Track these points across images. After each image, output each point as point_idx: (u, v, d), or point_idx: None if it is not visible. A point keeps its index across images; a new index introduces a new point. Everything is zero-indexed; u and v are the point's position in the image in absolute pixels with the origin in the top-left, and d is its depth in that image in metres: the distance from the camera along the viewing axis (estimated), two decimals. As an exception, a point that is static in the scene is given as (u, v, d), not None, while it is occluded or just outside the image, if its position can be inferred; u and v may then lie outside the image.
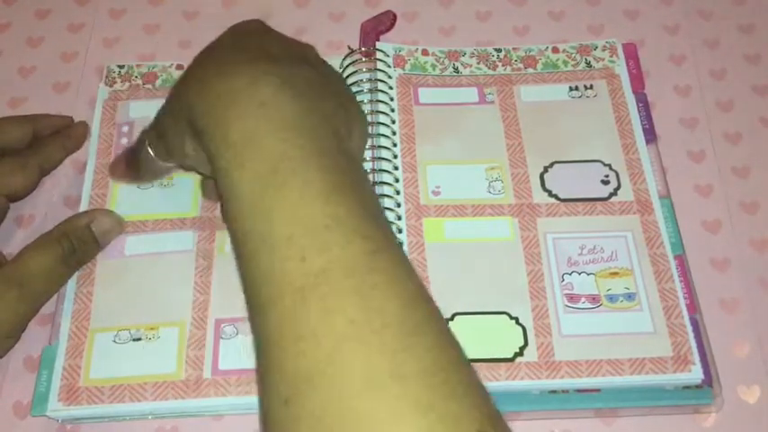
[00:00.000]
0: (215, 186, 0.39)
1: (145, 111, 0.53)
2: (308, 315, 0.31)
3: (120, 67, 0.55)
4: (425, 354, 0.30)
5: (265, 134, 0.35)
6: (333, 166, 0.35)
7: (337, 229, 0.33)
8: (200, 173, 0.47)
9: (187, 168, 0.47)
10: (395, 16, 0.58)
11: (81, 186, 0.50)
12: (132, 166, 0.47)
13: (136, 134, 0.52)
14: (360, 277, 0.32)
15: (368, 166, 0.50)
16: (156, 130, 0.44)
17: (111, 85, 0.54)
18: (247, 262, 0.34)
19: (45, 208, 0.51)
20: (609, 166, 0.50)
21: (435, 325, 0.32)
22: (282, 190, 0.34)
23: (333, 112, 0.39)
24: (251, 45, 0.42)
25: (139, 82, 0.54)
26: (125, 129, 0.52)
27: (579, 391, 0.43)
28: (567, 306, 0.45)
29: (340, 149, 0.37)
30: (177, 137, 0.41)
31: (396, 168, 0.50)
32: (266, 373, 0.32)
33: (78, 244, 0.45)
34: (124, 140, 0.51)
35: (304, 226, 0.33)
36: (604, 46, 0.55)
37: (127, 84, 0.54)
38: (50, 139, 0.51)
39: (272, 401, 0.31)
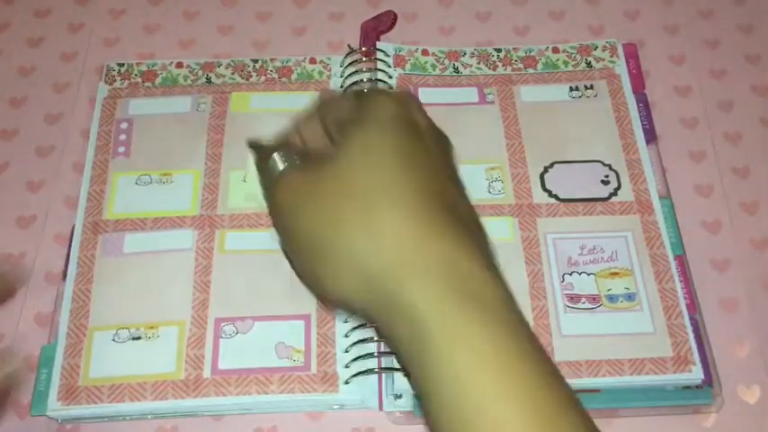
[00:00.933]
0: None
1: (144, 108, 0.53)
2: None
3: (120, 65, 0.55)
4: None
5: (506, 337, 0.31)
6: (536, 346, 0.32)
7: None
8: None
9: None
10: (395, 16, 0.58)
11: (81, 186, 0.50)
12: None
13: (134, 132, 0.52)
14: None
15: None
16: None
17: (110, 83, 0.54)
18: None
19: (46, 208, 0.51)
20: (609, 166, 0.50)
21: None
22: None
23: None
24: (436, 187, 0.35)
25: (139, 80, 0.54)
26: (124, 126, 0.52)
27: (579, 391, 0.43)
28: (567, 306, 0.45)
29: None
30: (337, 273, 0.35)
31: (396, 168, 0.50)
32: None
33: None
34: (123, 137, 0.51)
35: None
36: (604, 46, 0.55)
37: (126, 82, 0.54)
38: None
39: None
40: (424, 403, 0.32)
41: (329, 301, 0.38)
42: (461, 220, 0.35)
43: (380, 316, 0.33)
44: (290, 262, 0.39)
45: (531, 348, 0.32)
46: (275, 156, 0.38)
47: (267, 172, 0.39)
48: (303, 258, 0.36)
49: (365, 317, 0.37)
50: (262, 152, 0.40)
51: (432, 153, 0.37)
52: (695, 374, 0.43)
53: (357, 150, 0.35)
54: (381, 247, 0.33)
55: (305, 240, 0.36)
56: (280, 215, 0.37)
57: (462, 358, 0.30)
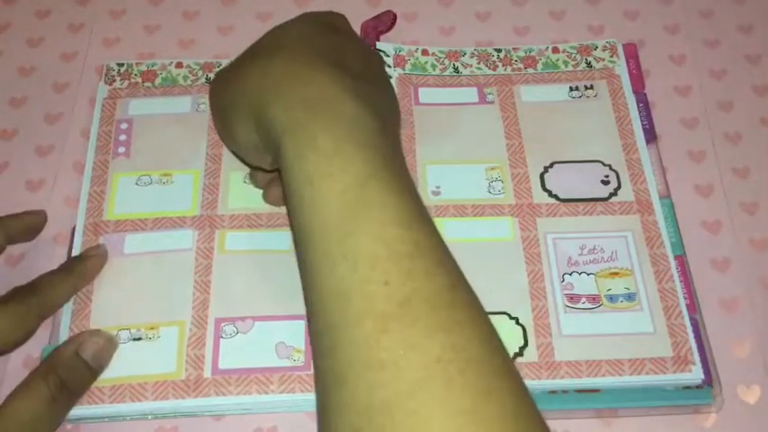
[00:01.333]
0: (279, 184, 0.39)
1: (144, 109, 0.53)
2: (391, 344, 0.30)
3: (120, 65, 0.55)
4: (507, 398, 0.30)
5: (355, 148, 0.35)
6: (411, 191, 0.35)
7: (420, 258, 0.32)
8: (247, 163, 0.47)
9: (239, 155, 0.47)
10: (395, 16, 0.58)
11: (81, 186, 0.50)
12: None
13: (134, 132, 0.52)
14: (444, 312, 0.31)
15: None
16: (216, 115, 0.45)
17: (110, 84, 0.54)
18: (321, 277, 0.33)
19: (45, 208, 0.50)
20: (609, 166, 0.50)
21: (513, 368, 0.32)
22: (371, 209, 0.33)
23: (396, 130, 0.41)
24: (329, 50, 0.40)
25: (139, 80, 0.54)
26: (124, 126, 0.52)
27: (579, 391, 0.43)
28: (567, 306, 0.45)
29: (407, 171, 0.38)
30: (237, 122, 0.41)
31: (396, 168, 0.50)
32: (333, 400, 0.31)
33: (68, 376, 0.41)
34: (122, 137, 0.51)
35: (389, 249, 0.32)
36: (604, 46, 0.55)
37: (126, 82, 0.54)
38: (58, 278, 0.45)
39: (338, 430, 0.30)
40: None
41: (245, 152, 0.43)
42: (348, 73, 0.39)
43: (266, 145, 0.39)
44: (222, 137, 0.46)
45: (379, 145, 0.36)
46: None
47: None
48: (220, 118, 0.44)
49: (265, 160, 0.42)
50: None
51: (341, 44, 0.42)
52: (695, 374, 0.43)
53: (272, 32, 0.43)
54: (264, 84, 0.39)
55: (222, 102, 0.43)
56: (210, 96, 0.46)
57: (308, 156, 0.35)
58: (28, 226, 0.48)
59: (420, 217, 0.34)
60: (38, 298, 0.43)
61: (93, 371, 0.42)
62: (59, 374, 0.40)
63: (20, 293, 0.43)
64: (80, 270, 0.45)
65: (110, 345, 0.43)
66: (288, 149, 0.36)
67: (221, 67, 0.46)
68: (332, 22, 0.45)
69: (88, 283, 0.46)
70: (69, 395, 0.41)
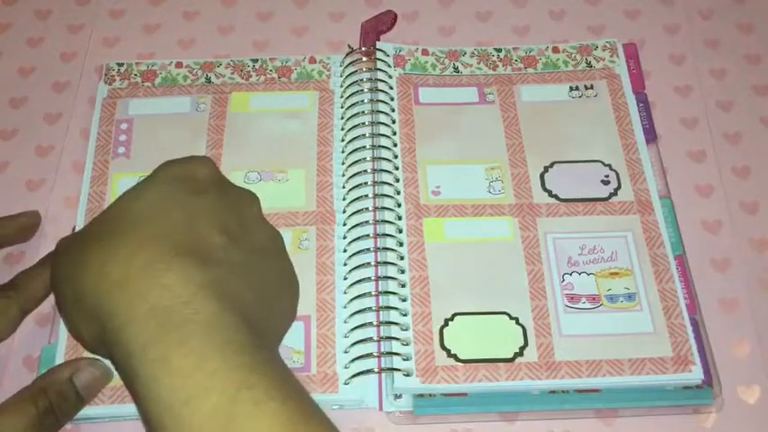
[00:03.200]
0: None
1: (144, 109, 0.53)
2: None
3: (120, 64, 0.55)
4: None
5: (218, 356, 0.32)
6: (294, 386, 0.33)
7: None
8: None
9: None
10: (395, 16, 0.58)
11: (81, 186, 0.50)
12: None
13: (134, 132, 0.52)
14: None
15: (368, 166, 0.50)
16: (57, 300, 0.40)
17: (110, 83, 0.54)
18: None
19: (46, 208, 0.51)
20: (609, 166, 0.50)
21: None
22: (248, 425, 0.30)
23: (283, 307, 0.39)
24: (183, 227, 0.36)
25: (139, 80, 0.54)
26: (124, 126, 0.52)
27: (579, 391, 0.43)
28: (567, 306, 0.45)
29: (282, 361, 0.35)
30: (79, 322, 0.37)
31: (396, 168, 0.50)
32: None
33: (57, 401, 0.39)
34: (122, 138, 0.51)
35: None
36: (604, 46, 0.55)
37: (126, 82, 0.54)
38: (35, 272, 0.44)
39: None
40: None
41: (93, 351, 0.39)
42: (206, 259, 0.35)
43: (113, 360, 0.35)
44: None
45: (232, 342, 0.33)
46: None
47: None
48: (62, 310, 0.39)
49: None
50: None
51: (202, 205, 0.38)
52: (695, 374, 0.43)
53: (122, 201, 0.38)
54: (104, 287, 0.34)
55: (63, 292, 0.38)
56: (52, 275, 0.40)
57: (163, 381, 0.31)
58: (21, 226, 0.48)
59: (303, 416, 0.31)
60: (17, 292, 0.43)
61: (82, 401, 0.41)
62: (50, 398, 0.39)
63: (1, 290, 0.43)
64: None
65: (105, 378, 0.42)
66: (138, 375, 0.32)
67: (65, 237, 0.41)
68: (192, 176, 0.40)
69: None
70: (55, 420, 0.40)
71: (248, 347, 0.32)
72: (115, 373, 0.42)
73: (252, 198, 0.42)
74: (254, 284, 0.37)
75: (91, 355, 0.41)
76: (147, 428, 0.32)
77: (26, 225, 0.48)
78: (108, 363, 0.41)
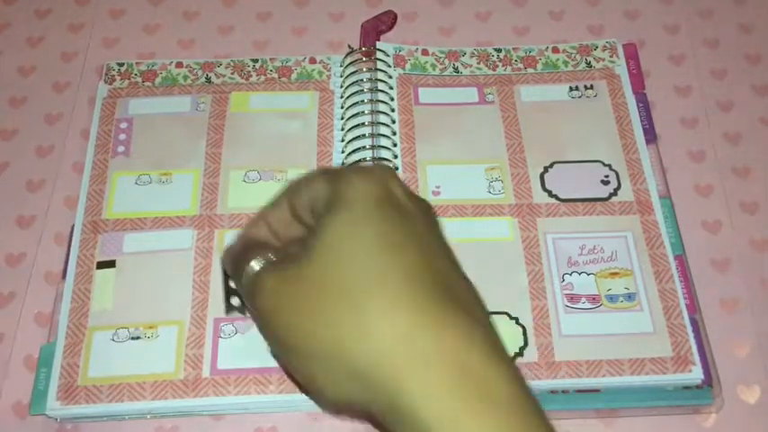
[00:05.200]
0: None
1: (144, 108, 0.53)
2: None
3: (120, 64, 0.55)
4: None
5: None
6: None
7: None
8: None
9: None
10: (395, 16, 0.58)
11: (80, 186, 0.50)
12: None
13: (134, 132, 0.52)
14: None
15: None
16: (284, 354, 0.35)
17: (110, 83, 0.54)
18: None
19: (46, 208, 0.51)
20: (609, 166, 0.50)
21: None
22: None
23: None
24: (423, 267, 0.32)
25: (139, 80, 0.54)
26: (123, 125, 0.52)
27: (579, 391, 0.43)
28: (567, 306, 0.45)
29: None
30: (325, 380, 0.32)
31: (396, 168, 0.50)
32: None
33: None
34: (122, 137, 0.51)
35: None
36: (604, 46, 0.55)
37: (126, 81, 0.54)
38: None
39: None
40: None
41: (333, 407, 0.36)
42: (460, 302, 0.32)
43: (384, 417, 0.31)
44: (284, 370, 0.38)
45: None
46: (252, 262, 0.35)
47: (242, 277, 0.36)
48: (296, 365, 0.34)
49: (372, 421, 0.35)
50: (232, 256, 0.37)
51: (419, 230, 0.34)
52: (695, 374, 0.43)
53: (336, 242, 0.33)
54: (373, 344, 0.30)
55: (295, 346, 0.33)
56: (264, 321, 0.34)
57: None
58: None
59: None
60: None
61: None
62: None
63: None
64: None
65: None
66: None
67: (268, 267, 0.35)
68: (393, 194, 0.35)
69: None
70: None
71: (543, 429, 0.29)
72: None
73: (428, 207, 0.37)
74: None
75: None
76: None
77: None
78: None
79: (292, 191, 0.37)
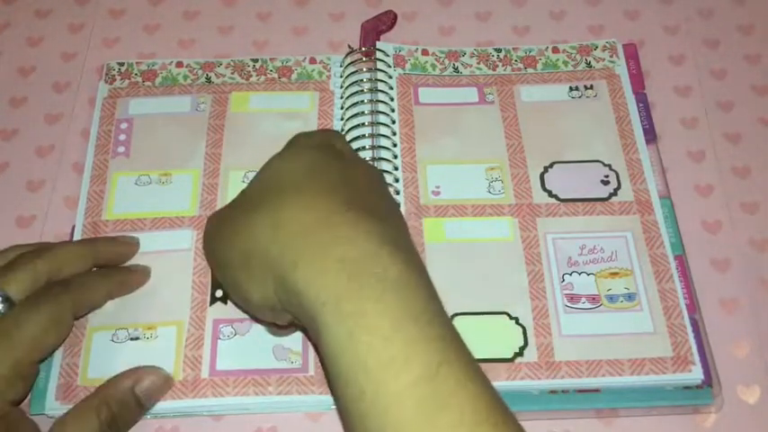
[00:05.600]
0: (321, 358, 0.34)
1: (144, 108, 0.53)
2: None
3: (120, 64, 0.55)
4: None
5: (413, 325, 0.31)
6: (479, 369, 0.32)
7: None
8: (254, 317, 0.43)
9: (248, 312, 0.43)
10: (395, 16, 0.58)
11: (80, 186, 0.50)
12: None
13: (134, 132, 0.52)
14: None
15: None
16: (218, 271, 0.39)
17: (110, 83, 0.54)
18: None
19: (45, 208, 0.51)
20: (609, 166, 0.50)
21: None
22: (448, 408, 0.29)
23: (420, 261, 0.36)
24: (347, 187, 0.36)
25: (139, 79, 0.54)
26: (124, 126, 0.52)
27: (579, 391, 0.43)
28: (567, 306, 0.45)
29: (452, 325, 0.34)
30: (247, 282, 0.36)
31: (396, 168, 0.50)
32: None
33: (120, 410, 0.39)
34: (122, 137, 0.51)
35: None
36: (604, 46, 0.55)
37: (126, 81, 0.54)
38: (93, 280, 0.44)
39: None
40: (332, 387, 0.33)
41: (262, 311, 0.38)
42: (373, 213, 0.35)
43: (294, 312, 0.34)
44: (224, 291, 0.41)
45: (433, 317, 0.32)
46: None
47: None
48: (229, 279, 0.38)
49: (291, 320, 0.37)
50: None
51: (350, 171, 0.38)
52: (695, 374, 0.43)
53: (267, 172, 0.38)
54: (282, 238, 0.34)
55: (224, 260, 0.38)
56: (206, 254, 0.40)
57: (361, 338, 0.30)
58: (119, 254, 0.46)
59: (499, 405, 0.31)
60: (72, 296, 0.41)
61: (144, 408, 0.41)
62: (112, 408, 0.39)
63: (53, 290, 0.41)
64: (120, 279, 0.45)
65: (166, 384, 0.42)
66: (330, 327, 0.31)
67: (214, 212, 0.41)
68: (332, 144, 0.40)
69: (124, 294, 0.45)
70: (117, 430, 0.40)
71: (438, 317, 0.32)
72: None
73: (378, 172, 0.43)
74: (403, 229, 0.38)
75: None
76: (336, 386, 0.32)
77: (122, 253, 0.46)
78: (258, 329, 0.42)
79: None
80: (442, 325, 0.32)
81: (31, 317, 0.39)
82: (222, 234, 0.38)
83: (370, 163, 0.43)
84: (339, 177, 0.37)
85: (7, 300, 0.39)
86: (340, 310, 0.31)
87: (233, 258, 0.37)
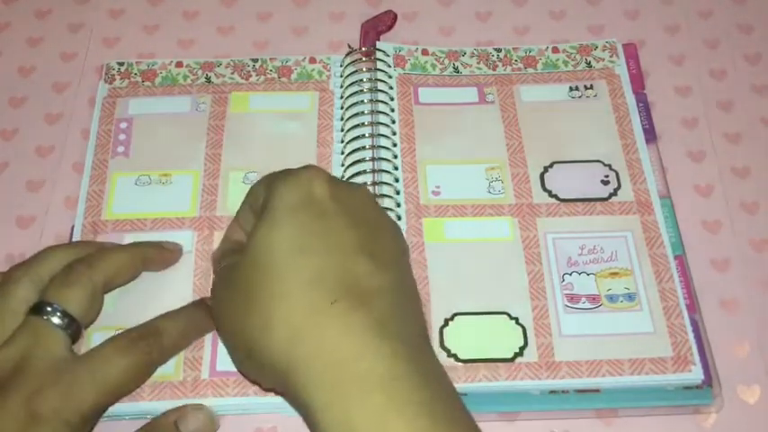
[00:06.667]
0: None
1: (144, 108, 0.53)
2: None
3: (120, 63, 0.55)
4: None
5: (401, 423, 0.32)
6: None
7: None
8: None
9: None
10: (395, 16, 0.58)
11: (80, 186, 0.50)
12: None
13: (134, 131, 0.52)
14: None
15: (368, 166, 0.50)
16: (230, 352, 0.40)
17: (110, 82, 0.54)
18: None
19: (45, 208, 0.51)
20: (609, 166, 0.50)
21: None
22: None
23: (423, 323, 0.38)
24: (329, 265, 0.36)
25: (139, 79, 0.54)
26: (123, 125, 0.52)
27: (579, 391, 0.43)
28: (567, 306, 0.45)
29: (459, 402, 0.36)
30: (261, 377, 0.39)
31: (396, 168, 0.50)
32: None
33: None
34: (122, 137, 0.51)
35: None
36: (604, 46, 0.55)
37: (126, 81, 0.54)
38: (175, 324, 0.43)
39: None
40: None
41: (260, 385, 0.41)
42: (362, 298, 0.35)
43: (288, 400, 0.38)
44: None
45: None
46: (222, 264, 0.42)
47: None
48: (229, 352, 0.40)
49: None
50: (213, 259, 0.45)
51: (335, 228, 0.37)
52: (695, 374, 0.43)
53: (256, 247, 0.37)
54: (274, 345, 0.35)
55: (225, 337, 0.40)
56: (215, 307, 0.41)
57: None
58: (165, 260, 0.46)
59: None
60: (156, 339, 0.41)
61: None
62: None
63: (144, 337, 0.41)
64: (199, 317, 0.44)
65: (211, 423, 0.42)
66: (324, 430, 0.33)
67: (218, 285, 0.41)
68: (310, 199, 0.38)
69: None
70: None
71: (426, 404, 0.33)
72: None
73: (364, 192, 0.41)
74: (412, 294, 0.39)
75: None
76: None
77: (167, 259, 0.46)
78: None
79: (249, 193, 0.42)
80: (429, 413, 0.33)
81: (121, 362, 0.39)
82: (226, 322, 0.39)
83: (354, 186, 0.42)
84: (323, 247, 0.37)
85: (66, 315, 0.40)
86: (329, 418, 0.33)
87: (239, 348, 0.38)
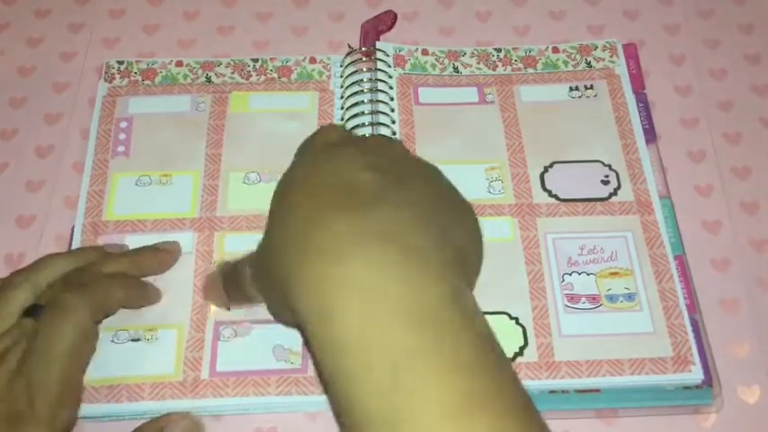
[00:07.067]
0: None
1: (144, 107, 0.53)
2: None
3: (120, 62, 0.55)
4: None
5: (386, 327, 0.29)
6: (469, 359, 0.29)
7: None
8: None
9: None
10: (395, 16, 0.58)
11: (80, 186, 0.50)
12: (232, 294, 0.43)
13: (134, 131, 0.52)
14: None
15: (368, 165, 0.50)
16: (257, 281, 0.39)
17: (110, 81, 0.54)
18: None
19: (45, 208, 0.51)
20: (609, 166, 0.50)
21: None
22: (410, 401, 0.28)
23: (452, 258, 0.33)
24: (331, 178, 0.33)
25: (138, 78, 0.54)
26: (123, 125, 0.52)
27: (579, 391, 0.43)
28: (567, 306, 0.45)
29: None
30: (274, 301, 0.37)
31: (395, 168, 0.50)
32: None
33: None
34: (122, 136, 0.51)
35: None
36: (604, 46, 0.55)
37: (126, 80, 0.54)
38: (114, 284, 0.44)
39: None
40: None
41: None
42: (410, 252, 0.31)
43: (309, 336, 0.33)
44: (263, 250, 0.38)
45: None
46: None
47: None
48: (260, 287, 0.38)
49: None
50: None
51: (334, 154, 0.35)
52: (695, 374, 0.43)
53: (284, 186, 0.35)
54: (305, 280, 0.31)
55: (262, 275, 0.37)
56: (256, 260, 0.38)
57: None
58: (161, 262, 0.46)
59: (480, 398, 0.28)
60: (85, 295, 0.41)
61: None
62: None
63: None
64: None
65: (197, 429, 0.41)
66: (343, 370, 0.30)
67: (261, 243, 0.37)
68: (324, 140, 0.38)
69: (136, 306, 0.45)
70: None
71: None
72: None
73: (391, 140, 0.40)
74: (426, 208, 0.34)
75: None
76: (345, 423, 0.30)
77: (164, 261, 0.46)
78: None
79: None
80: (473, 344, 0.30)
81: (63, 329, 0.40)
82: (262, 253, 0.37)
83: (382, 136, 0.41)
84: (329, 169, 0.34)
85: None
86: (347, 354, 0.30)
87: (268, 280, 0.36)
